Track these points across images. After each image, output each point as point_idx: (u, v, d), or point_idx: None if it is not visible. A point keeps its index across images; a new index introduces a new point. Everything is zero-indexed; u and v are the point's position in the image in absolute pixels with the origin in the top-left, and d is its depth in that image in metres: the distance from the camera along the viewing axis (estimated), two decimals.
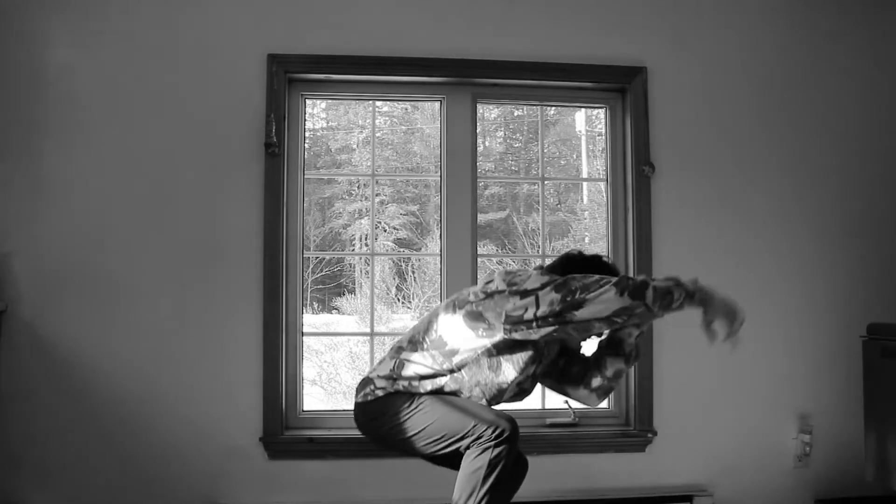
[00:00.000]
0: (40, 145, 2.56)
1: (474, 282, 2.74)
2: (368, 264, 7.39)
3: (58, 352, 2.54)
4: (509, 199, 8.55)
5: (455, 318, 1.96)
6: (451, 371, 1.97)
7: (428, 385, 1.97)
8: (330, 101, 6.80)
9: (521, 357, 1.94)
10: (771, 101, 2.84)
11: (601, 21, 2.78)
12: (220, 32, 2.64)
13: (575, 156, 8.26)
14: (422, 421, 1.94)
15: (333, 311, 8.11)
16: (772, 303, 2.80)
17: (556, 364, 2.12)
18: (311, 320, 7.41)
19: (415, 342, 2.01)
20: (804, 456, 2.77)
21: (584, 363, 2.12)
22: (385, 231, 8.11)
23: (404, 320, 7.10)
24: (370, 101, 3.12)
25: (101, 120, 2.59)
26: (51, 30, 2.59)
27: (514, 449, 1.90)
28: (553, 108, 3.27)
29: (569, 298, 1.77)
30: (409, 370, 1.99)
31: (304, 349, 2.78)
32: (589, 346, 2.13)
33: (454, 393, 1.98)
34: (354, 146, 8.31)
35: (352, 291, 8.06)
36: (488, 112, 7.89)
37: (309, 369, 5.95)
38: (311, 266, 7.68)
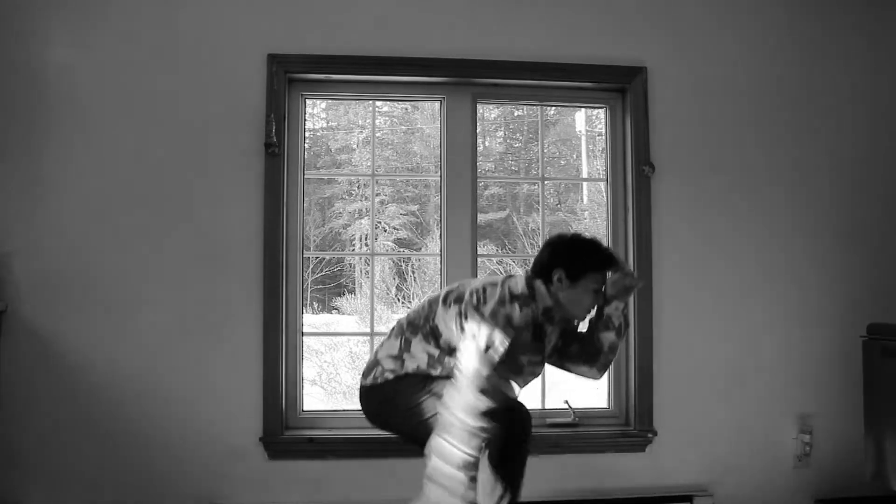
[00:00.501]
0: (40, 145, 2.57)
1: None
2: (368, 264, 7.39)
3: (58, 351, 2.54)
4: (509, 199, 8.54)
5: (449, 313, 1.98)
6: (452, 355, 1.97)
7: (438, 368, 1.97)
8: (330, 101, 6.80)
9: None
10: (771, 102, 2.84)
11: (601, 21, 2.78)
12: (220, 32, 2.64)
13: (575, 156, 8.26)
14: (435, 406, 1.91)
15: (333, 311, 8.10)
16: (772, 303, 2.80)
17: (556, 345, 2.14)
18: (311, 320, 7.41)
19: (415, 326, 2.02)
20: (804, 456, 2.77)
21: (580, 341, 2.14)
22: (385, 231, 8.10)
23: None
24: (370, 101, 3.12)
25: (101, 120, 2.59)
26: (51, 30, 2.59)
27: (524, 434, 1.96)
28: (553, 108, 3.27)
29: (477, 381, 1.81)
30: (417, 351, 1.99)
31: (304, 349, 2.78)
32: (583, 325, 2.17)
33: None
34: (354, 146, 8.30)
35: (352, 291, 8.05)
36: (488, 112, 7.89)
37: (309, 369, 5.95)
38: (311, 266, 7.68)
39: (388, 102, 7.34)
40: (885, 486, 2.41)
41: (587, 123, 7.76)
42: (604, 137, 2.94)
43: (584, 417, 2.78)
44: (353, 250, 8.15)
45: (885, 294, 2.84)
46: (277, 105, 2.62)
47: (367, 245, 7.89)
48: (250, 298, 2.59)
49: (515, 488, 1.92)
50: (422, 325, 2.02)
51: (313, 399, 5.96)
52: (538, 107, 3.01)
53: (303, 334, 2.74)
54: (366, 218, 7.99)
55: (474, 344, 1.84)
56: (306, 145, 2.82)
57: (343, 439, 2.61)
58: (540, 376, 2.15)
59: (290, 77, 2.68)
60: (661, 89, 2.78)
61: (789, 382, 2.80)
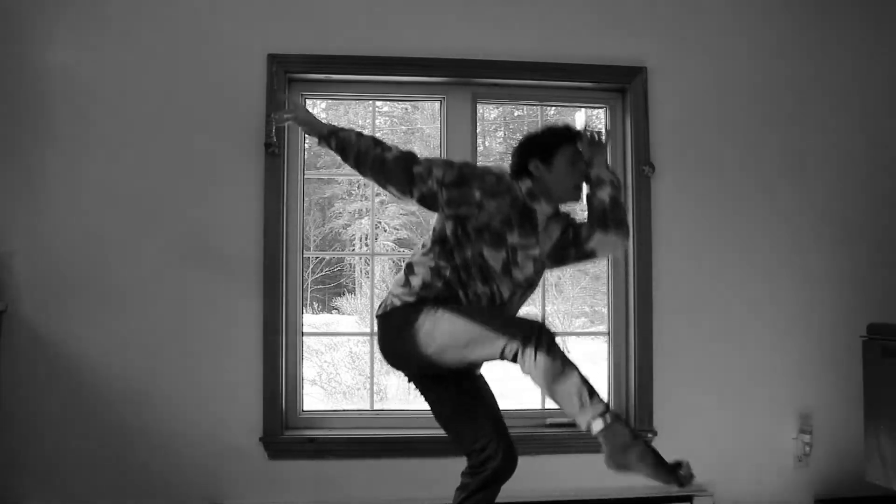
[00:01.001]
0: (41, 145, 2.57)
1: None
2: (368, 264, 7.39)
3: (58, 352, 2.54)
4: None
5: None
6: (449, 258, 1.93)
7: (439, 283, 1.92)
8: (330, 101, 6.79)
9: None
10: (771, 101, 2.84)
11: (601, 21, 2.78)
12: (220, 32, 2.64)
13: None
14: (448, 327, 1.86)
15: (333, 311, 8.10)
16: (772, 302, 2.80)
17: (569, 239, 2.07)
18: (311, 320, 7.41)
19: (422, 246, 2.02)
20: (804, 456, 2.77)
21: (588, 218, 2.07)
22: (385, 231, 8.10)
23: None
24: (370, 101, 3.12)
25: (101, 120, 2.59)
26: (52, 30, 2.59)
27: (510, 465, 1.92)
28: (553, 108, 3.26)
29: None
30: (421, 270, 1.96)
31: (304, 349, 2.78)
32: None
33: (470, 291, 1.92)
34: None
35: (352, 291, 8.05)
36: (488, 112, 7.88)
37: (309, 369, 5.94)
38: (311, 266, 7.68)
39: (388, 102, 7.33)
40: (885, 486, 2.41)
41: (587, 123, 7.75)
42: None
43: None
44: (353, 250, 8.15)
45: (885, 294, 2.84)
46: (277, 105, 2.62)
47: (367, 245, 7.89)
48: (250, 298, 2.59)
49: None
50: (426, 242, 2.02)
51: (313, 399, 5.96)
52: (538, 107, 3.01)
53: (303, 334, 2.74)
54: (366, 218, 7.98)
55: None
56: (306, 145, 2.82)
57: (343, 439, 2.61)
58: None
59: (290, 77, 2.68)
60: (661, 89, 2.78)
61: (789, 382, 2.80)
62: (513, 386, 2.95)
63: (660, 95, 2.78)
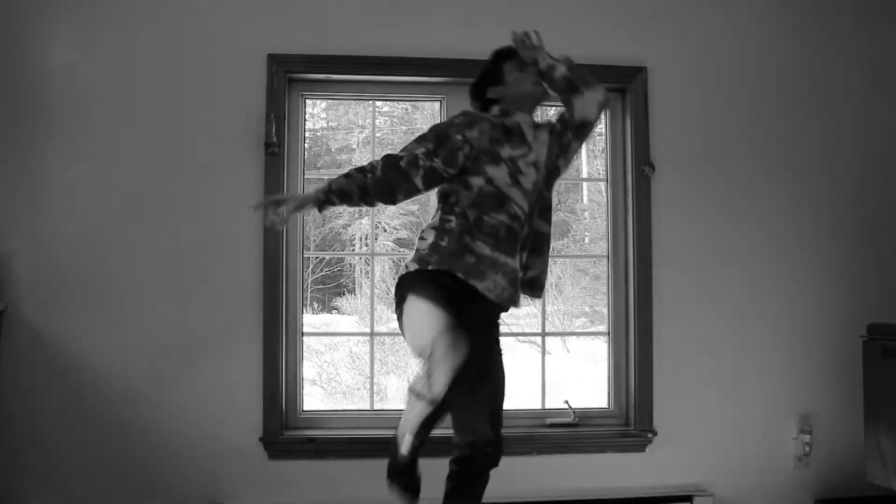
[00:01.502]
0: (41, 145, 2.57)
1: None
2: (368, 264, 7.39)
3: (58, 352, 2.54)
4: None
5: None
6: (453, 208, 1.95)
7: (443, 241, 1.92)
8: (330, 101, 6.79)
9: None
10: (771, 101, 2.84)
11: (601, 21, 2.78)
12: (220, 32, 2.64)
13: (575, 155, 8.25)
14: (413, 321, 1.86)
15: (333, 311, 8.10)
16: (772, 302, 2.80)
17: (562, 139, 2.12)
18: (311, 320, 7.41)
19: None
20: (804, 456, 2.77)
21: (568, 126, 2.12)
22: (385, 231, 8.10)
23: None
24: (370, 101, 3.12)
25: (101, 120, 2.59)
26: (52, 30, 2.59)
27: (480, 461, 1.96)
28: (553, 108, 3.26)
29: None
30: (428, 234, 1.97)
31: (304, 349, 2.78)
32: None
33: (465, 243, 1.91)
34: (354, 146, 8.30)
35: (352, 291, 8.05)
36: None
37: (309, 369, 5.94)
38: (311, 266, 7.68)
39: (388, 102, 7.33)
40: (885, 486, 2.41)
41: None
42: (604, 137, 2.93)
43: (584, 417, 2.78)
44: (353, 250, 8.15)
45: (885, 294, 2.84)
46: (277, 105, 2.62)
47: (367, 245, 7.89)
48: (250, 298, 2.59)
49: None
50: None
51: (313, 399, 5.96)
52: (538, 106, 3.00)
53: (303, 334, 2.74)
54: (366, 218, 7.98)
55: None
56: (306, 145, 2.82)
57: (343, 439, 2.61)
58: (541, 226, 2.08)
59: (290, 77, 2.68)
60: (661, 89, 2.78)
61: (789, 382, 2.80)
62: (513, 385, 2.95)
63: (660, 95, 2.78)
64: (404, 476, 1.89)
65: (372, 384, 3.29)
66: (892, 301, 2.83)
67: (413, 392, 1.78)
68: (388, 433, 2.61)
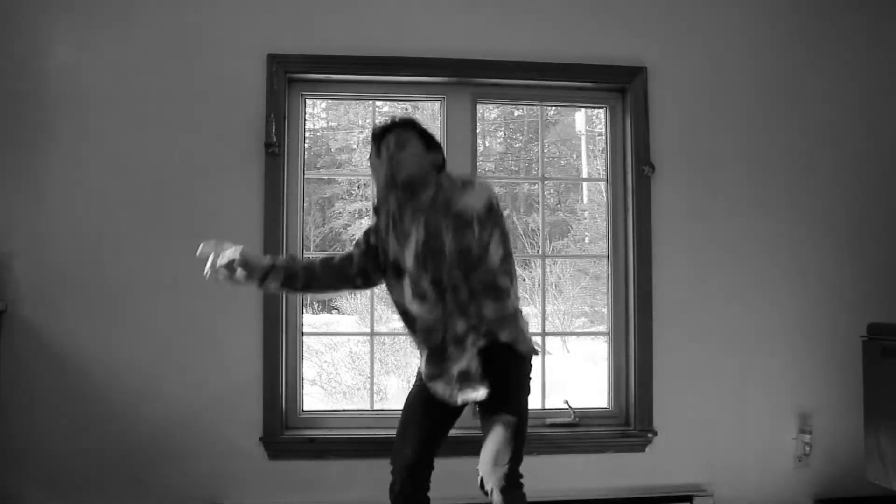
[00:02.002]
0: (41, 145, 2.57)
1: None
2: None
3: (58, 351, 2.54)
4: (509, 199, 8.54)
5: None
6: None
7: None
8: (330, 101, 6.79)
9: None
10: (771, 101, 2.84)
11: (601, 21, 2.78)
12: (220, 32, 2.64)
13: (575, 156, 8.25)
14: (404, 402, 2.11)
15: (333, 311, 8.09)
16: (772, 303, 2.80)
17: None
18: (311, 320, 7.40)
19: None
20: (804, 456, 2.77)
21: None
22: None
23: None
24: (370, 101, 3.12)
25: (101, 120, 2.59)
26: (52, 30, 2.59)
27: (399, 485, 1.99)
28: (553, 108, 3.27)
29: None
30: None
31: (304, 349, 2.78)
32: None
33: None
34: (354, 146, 8.30)
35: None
36: (488, 112, 7.88)
37: (309, 369, 5.94)
38: None
39: (388, 102, 7.33)
40: (885, 486, 2.41)
41: (587, 123, 7.74)
42: (604, 137, 2.93)
43: (584, 417, 2.78)
44: None
45: (885, 294, 2.84)
46: (277, 105, 2.62)
47: None
48: (250, 298, 2.59)
49: None
50: None
51: (313, 399, 5.95)
52: (538, 107, 3.01)
53: (303, 334, 2.74)
54: (366, 218, 7.98)
55: None
56: (306, 145, 2.82)
57: (343, 439, 2.61)
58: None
59: (290, 77, 2.68)
60: (661, 89, 2.78)
61: (789, 382, 2.80)
62: None
63: (660, 95, 2.78)
64: None
65: (372, 384, 3.29)
66: (892, 301, 2.83)
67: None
68: (388, 433, 2.62)
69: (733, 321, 2.78)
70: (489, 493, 1.86)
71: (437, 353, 1.86)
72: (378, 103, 3.25)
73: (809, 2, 2.89)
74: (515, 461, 1.88)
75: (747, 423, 2.77)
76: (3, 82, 2.56)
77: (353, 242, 2.10)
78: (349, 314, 7.87)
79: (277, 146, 2.60)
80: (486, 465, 1.85)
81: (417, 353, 2.00)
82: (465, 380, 1.84)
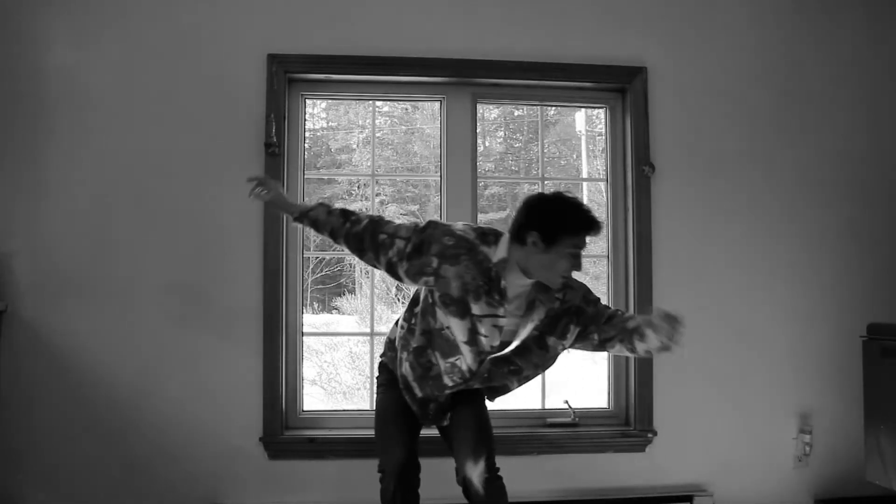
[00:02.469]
0: (40, 146, 2.57)
1: None
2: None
3: (58, 352, 2.54)
4: (509, 199, 8.54)
5: None
6: (411, 319, 2.00)
7: (391, 351, 2.09)
8: (330, 101, 6.79)
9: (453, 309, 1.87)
10: (771, 101, 2.84)
11: (601, 21, 2.78)
12: (220, 32, 2.64)
13: (575, 156, 8.25)
14: (377, 407, 2.15)
15: (333, 311, 8.09)
16: (772, 303, 2.80)
17: (565, 329, 1.96)
18: (311, 320, 7.39)
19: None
20: (804, 456, 2.77)
21: (614, 329, 1.97)
22: None
23: None
24: (370, 101, 3.12)
25: (101, 120, 2.59)
26: (52, 30, 2.59)
27: (393, 486, 1.93)
28: (553, 108, 3.27)
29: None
30: (394, 329, 2.11)
31: (304, 349, 2.78)
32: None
33: (421, 350, 1.97)
34: (354, 146, 8.30)
35: (352, 291, 8.04)
36: (488, 112, 7.88)
37: (309, 369, 5.94)
38: (311, 266, 7.67)
39: (388, 102, 7.33)
40: (885, 486, 2.41)
41: (587, 123, 7.74)
42: (604, 137, 2.94)
43: (584, 417, 2.78)
44: None
45: (885, 294, 2.84)
46: (277, 105, 2.62)
47: None
48: (250, 298, 2.59)
49: None
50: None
51: (313, 399, 5.95)
52: (538, 107, 3.01)
53: (303, 334, 2.74)
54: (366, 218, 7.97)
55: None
56: (306, 145, 2.82)
57: (343, 439, 2.61)
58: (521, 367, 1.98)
59: (290, 77, 2.68)
60: (661, 89, 2.78)
61: (789, 382, 2.80)
62: None
63: (660, 95, 2.78)
64: None
65: (372, 384, 3.28)
66: (892, 301, 2.83)
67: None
68: None
69: (733, 321, 2.78)
70: (476, 487, 1.89)
71: (436, 383, 1.99)
72: (378, 103, 3.25)
73: (810, 1, 2.89)
74: (493, 451, 1.97)
75: (747, 423, 2.77)
76: (2, 82, 2.56)
77: (387, 240, 1.91)
78: (349, 314, 7.87)
79: (277, 146, 2.60)
80: (468, 460, 1.92)
81: (405, 355, 2.02)
82: (441, 413, 2.06)
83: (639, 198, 2.76)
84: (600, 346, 1.98)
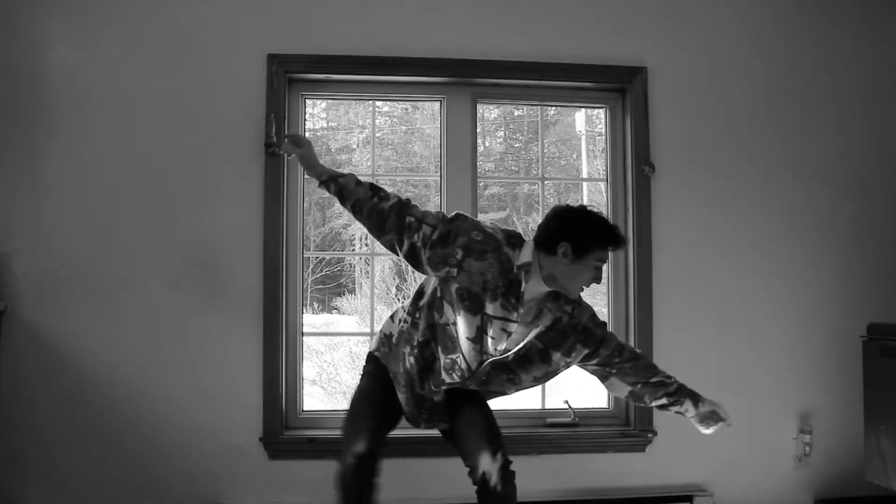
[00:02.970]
0: (41, 145, 2.56)
1: None
2: (368, 264, 7.39)
3: (58, 352, 2.54)
4: (509, 199, 8.55)
5: None
6: (415, 313, 1.99)
7: (385, 347, 2.10)
8: (330, 101, 6.80)
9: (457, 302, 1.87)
10: (771, 101, 2.84)
11: (601, 21, 2.78)
12: (220, 32, 2.64)
13: (575, 156, 8.25)
14: (355, 393, 2.15)
15: (333, 311, 8.10)
16: (772, 303, 2.80)
17: (573, 348, 1.98)
18: (311, 320, 7.41)
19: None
20: (804, 456, 2.77)
21: (638, 373, 2.07)
22: None
23: None
24: (370, 101, 3.12)
25: (101, 120, 2.59)
26: (52, 30, 2.59)
27: (349, 472, 1.90)
28: (553, 108, 3.27)
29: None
30: (387, 324, 2.13)
31: (304, 349, 2.78)
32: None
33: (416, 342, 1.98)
34: (354, 146, 8.31)
35: (352, 291, 8.05)
36: (488, 112, 7.88)
37: (309, 369, 5.94)
38: (311, 266, 7.68)
39: (388, 102, 7.34)
40: (885, 486, 2.41)
41: (587, 123, 7.75)
42: (604, 137, 2.94)
43: (584, 417, 2.78)
44: (353, 250, 8.15)
45: (885, 294, 2.84)
46: (277, 105, 2.62)
47: (367, 245, 7.89)
48: (250, 298, 2.59)
49: None
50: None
51: (313, 399, 5.96)
52: (538, 107, 3.01)
53: (303, 334, 2.74)
54: None
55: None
56: None
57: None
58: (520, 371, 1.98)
59: (290, 77, 2.68)
60: (661, 89, 2.78)
61: (789, 382, 2.80)
62: None
63: (660, 95, 2.78)
64: None
65: None
66: (892, 301, 2.83)
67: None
68: (388, 433, 2.61)
69: (733, 321, 2.78)
70: (496, 482, 1.87)
71: (435, 379, 1.98)
72: (378, 103, 3.25)
73: (810, 1, 2.89)
74: (505, 446, 1.97)
75: (747, 423, 2.77)
76: (2, 82, 2.56)
77: (414, 223, 1.90)
78: (349, 314, 7.88)
79: (277, 146, 2.60)
80: (485, 456, 1.90)
81: (405, 352, 2.02)
82: (436, 415, 2.06)
83: (639, 198, 2.76)
84: (616, 385, 2.07)
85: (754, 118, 2.83)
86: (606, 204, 2.89)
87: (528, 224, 8.05)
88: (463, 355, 1.92)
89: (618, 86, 2.81)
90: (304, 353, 2.79)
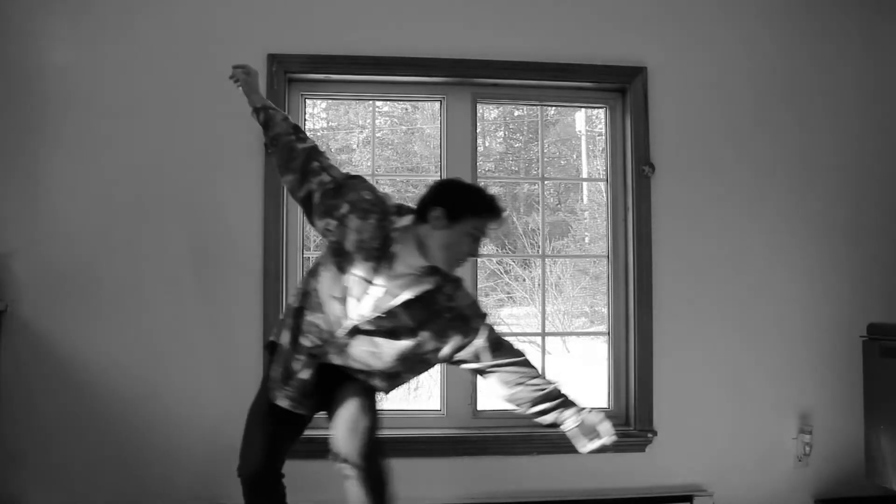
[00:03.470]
0: (40, 145, 2.57)
1: (473, 282, 2.75)
2: None
3: (58, 352, 2.54)
4: (509, 198, 8.54)
5: None
6: (305, 283, 1.93)
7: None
8: (330, 101, 6.80)
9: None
10: (771, 101, 2.84)
11: (601, 21, 2.78)
12: (220, 32, 2.64)
13: (575, 156, 8.25)
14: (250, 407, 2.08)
15: None
16: (772, 303, 2.80)
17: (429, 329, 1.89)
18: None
19: None
20: (804, 456, 2.77)
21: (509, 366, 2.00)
22: None
23: None
24: (370, 101, 3.12)
25: (100, 120, 2.59)
26: (51, 30, 2.59)
27: (248, 490, 1.93)
28: (553, 108, 3.27)
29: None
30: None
31: None
32: None
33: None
34: (354, 146, 8.30)
35: None
36: (488, 112, 7.88)
37: None
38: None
39: (388, 102, 7.34)
40: (885, 485, 2.41)
41: (587, 123, 7.75)
42: (604, 137, 2.94)
43: None
44: None
45: (885, 294, 2.84)
46: (277, 105, 2.61)
47: None
48: (250, 298, 2.59)
49: None
50: None
51: None
52: (538, 107, 3.01)
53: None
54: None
55: None
56: None
57: None
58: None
59: (290, 77, 2.68)
60: (661, 89, 2.78)
61: (789, 382, 2.80)
62: None
63: (660, 95, 2.78)
64: None
65: None
66: (892, 301, 2.83)
67: None
68: (388, 433, 2.61)
69: (733, 321, 2.78)
70: (350, 465, 1.87)
71: (298, 348, 1.91)
72: (378, 103, 3.25)
73: (810, 1, 2.89)
74: (368, 438, 1.93)
75: (747, 423, 2.77)
76: (2, 82, 2.56)
77: (317, 169, 1.94)
78: None
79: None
80: (343, 432, 1.90)
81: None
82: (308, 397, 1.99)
83: (639, 198, 2.76)
84: (495, 386, 1.97)
85: (754, 118, 2.83)
86: (606, 204, 2.90)
87: (528, 224, 8.04)
88: (327, 315, 1.85)
89: (618, 86, 2.81)
90: None
